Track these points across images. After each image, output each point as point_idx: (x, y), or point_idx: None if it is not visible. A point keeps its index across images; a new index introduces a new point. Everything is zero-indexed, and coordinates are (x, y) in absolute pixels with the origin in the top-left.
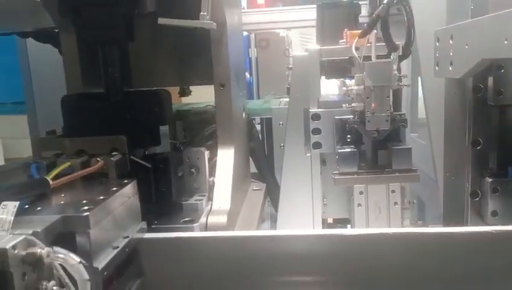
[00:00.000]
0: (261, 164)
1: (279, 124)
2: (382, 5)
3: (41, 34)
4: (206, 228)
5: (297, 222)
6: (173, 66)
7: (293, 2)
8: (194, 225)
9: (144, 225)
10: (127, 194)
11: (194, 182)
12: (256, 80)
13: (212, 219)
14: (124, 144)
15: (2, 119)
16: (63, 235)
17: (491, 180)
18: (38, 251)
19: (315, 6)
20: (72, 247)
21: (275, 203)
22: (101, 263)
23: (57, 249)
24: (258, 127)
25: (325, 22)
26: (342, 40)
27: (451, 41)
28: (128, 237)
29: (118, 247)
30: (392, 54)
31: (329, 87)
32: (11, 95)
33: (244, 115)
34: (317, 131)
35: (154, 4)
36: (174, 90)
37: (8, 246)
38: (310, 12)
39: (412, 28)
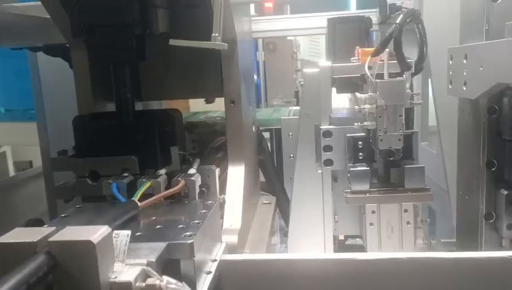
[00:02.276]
0: (271, 177)
1: (289, 135)
2: (395, 25)
3: (51, 49)
4: None
5: (309, 239)
6: (184, 79)
7: (301, 8)
8: None
9: (224, 244)
10: (215, 216)
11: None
12: (264, 83)
13: (223, 239)
14: (135, 164)
15: (12, 126)
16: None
17: (506, 192)
18: (157, 282)
19: (323, 14)
20: (174, 274)
21: (284, 216)
22: None
23: (167, 278)
24: (266, 134)
25: (336, 36)
26: (353, 58)
27: (465, 61)
28: (216, 260)
29: (211, 272)
30: (405, 72)
31: (339, 101)
32: (22, 101)
33: (254, 128)
34: (328, 148)
35: (167, 25)
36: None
37: (132, 278)
38: (318, 20)
39: (424, 46)
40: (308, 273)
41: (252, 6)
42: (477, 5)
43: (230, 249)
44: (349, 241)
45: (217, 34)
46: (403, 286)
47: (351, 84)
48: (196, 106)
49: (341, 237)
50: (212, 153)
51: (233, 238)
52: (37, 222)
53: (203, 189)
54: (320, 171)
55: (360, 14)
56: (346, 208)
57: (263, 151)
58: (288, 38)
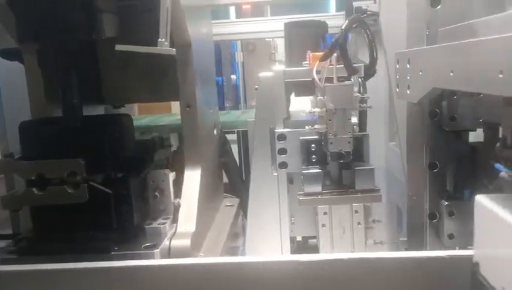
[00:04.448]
0: (234, 179)
1: None
2: (340, 30)
3: (8, 52)
4: (169, 251)
5: (266, 241)
6: (144, 83)
7: (282, 9)
8: (155, 250)
9: None
10: None
11: (159, 205)
12: (243, 83)
13: (176, 243)
14: (81, 167)
15: None
16: None
17: (447, 203)
18: None
19: (282, 17)
20: None
21: None
22: None
23: None
24: (234, 136)
25: (292, 41)
26: (305, 62)
27: (408, 66)
28: None
29: None
30: (353, 77)
31: (303, 104)
32: None
33: (215, 131)
34: (283, 151)
35: (114, 30)
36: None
37: None
38: (279, 24)
39: (373, 50)
40: (254, 275)
41: (233, 9)
42: (419, 11)
43: (183, 253)
44: (313, 241)
45: (163, 40)
46: (347, 285)
47: (308, 87)
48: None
49: (299, 238)
50: (180, 155)
51: (186, 242)
52: None
53: (156, 193)
54: (275, 174)
55: (316, 19)
56: (302, 210)
57: (226, 154)
58: (266, 39)
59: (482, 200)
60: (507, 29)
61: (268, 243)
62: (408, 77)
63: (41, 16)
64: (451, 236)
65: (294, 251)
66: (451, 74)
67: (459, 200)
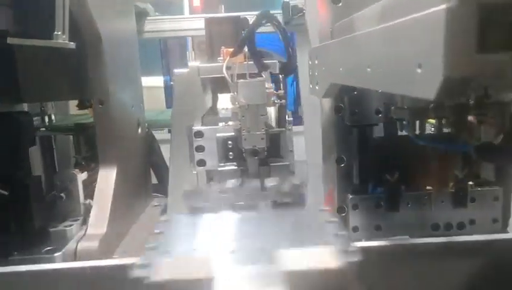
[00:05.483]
0: (163, 178)
1: None
2: (249, 25)
3: None
4: (75, 255)
5: None
6: (62, 80)
7: (235, 6)
8: (56, 254)
9: None
10: None
11: (67, 207)
12: None
13: (83, 245)
14: None
15: None
16: None
17: (351, 196)
18: None
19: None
20: None
21: None
22: None
23: None
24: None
25: (212, 37)
26: (219, 58)
27: (316, 62)
28: None
29: None
30: (264, 72)
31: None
32: None
33: (139, 130)
34: (200, 148)
35: (8, 22)
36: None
37: None
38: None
39: (288, 46)
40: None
41: (187, 7)
42: (325, 8)
43: (91, 255)
44: None
45: (59, 33)
46: None
47: (226, 84)
48: None
49: None
50: None
51: (94, 244)
52: None
53: (62, 195)
54: (194, 172)
55: (235, 15)
56: None
57: (154, 153)
58: None
59: None
60: (373, 23)
61: None
62: (316, 73)
63: None
64: (355, 229)
65: None
66: (341, 69)
67: (364, 194)
